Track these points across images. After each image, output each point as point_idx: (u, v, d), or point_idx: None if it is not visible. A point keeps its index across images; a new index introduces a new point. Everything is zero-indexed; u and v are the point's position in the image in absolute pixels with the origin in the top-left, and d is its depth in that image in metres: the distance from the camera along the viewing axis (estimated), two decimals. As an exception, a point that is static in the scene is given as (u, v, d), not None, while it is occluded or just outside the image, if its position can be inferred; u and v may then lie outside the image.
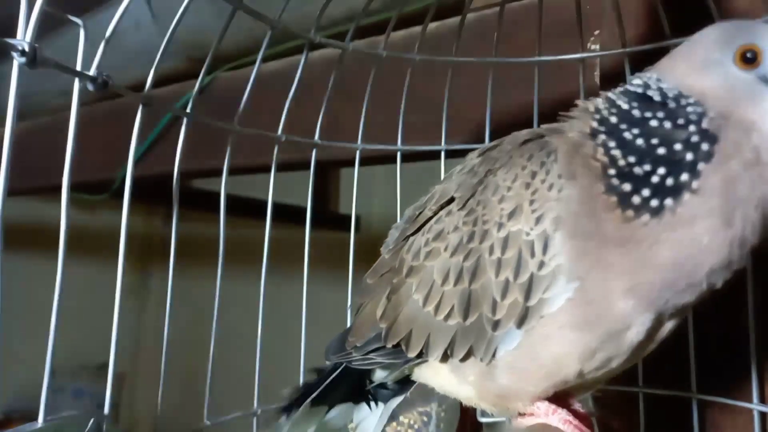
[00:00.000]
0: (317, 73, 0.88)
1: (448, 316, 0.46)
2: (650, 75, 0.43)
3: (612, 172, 0.39)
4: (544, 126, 0.48)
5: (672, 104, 0.40)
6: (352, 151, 0.69)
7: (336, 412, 0.55)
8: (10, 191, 0.35)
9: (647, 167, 0.39)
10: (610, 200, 0.39)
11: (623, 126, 0.41)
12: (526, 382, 0.45)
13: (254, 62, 0.57)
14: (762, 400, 0.58)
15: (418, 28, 0.70)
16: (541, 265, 0.41)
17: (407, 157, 0.72)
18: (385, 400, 0.56)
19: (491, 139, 0.69)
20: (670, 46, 0.58)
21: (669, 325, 0.44)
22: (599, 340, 0.42)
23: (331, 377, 0.54)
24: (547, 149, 0.43)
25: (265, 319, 0.61)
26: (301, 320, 0.63)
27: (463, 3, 0.67)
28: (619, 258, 0.39)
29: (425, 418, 0.63)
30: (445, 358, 0.47)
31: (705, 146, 0.38)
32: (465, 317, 0.45)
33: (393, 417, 0.63)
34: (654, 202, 0.38)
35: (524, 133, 0.47)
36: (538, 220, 0.41)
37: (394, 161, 0.71)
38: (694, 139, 0.38)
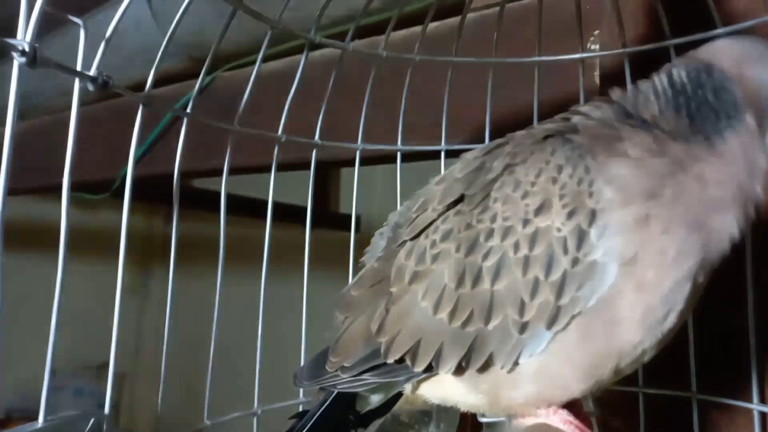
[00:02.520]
0: (317, 73, 0.88)
1: (466, 322, 0.43)
2: (699, 66, 0.45)
3: (669, 115, 0.44)
4: (555, 125, 0.46)
5: (720, 89, 0.44)
6: (352, 151, 0.69)
7: None
8: (11, 191, 0.35)
9: (693, 107, 0.44)
10: (673, 133, 0.43)
11: (671, 96, 0.45)
12: (557, 387, 0.43)
13: (254, 62, 0.57)
14: (762, 400, 0.58)
15: (418, 28, 0.70)
16: (575, 261, 0.40)
17: (407, 157, 0.72)
18: (366, 425, 0.53)
19: (491, 139, 0.69)
20: (669, 46, 0.59)
21: (696, 293, 0.44)
22: (644, 332, 0.41)
23: (315, 418, 0.50)
24: (570, 144, 0.42)
25: (266, 319, 0.61)
26: (302, 320, 0.63)
27: (463, 3, 0.67)
28: (690, 183, 0.41)
29: (425, 418, 0.63)
30: (459, 370, 0.44)
31: (734, 122, 0.43)
32: (487, 321, 0.42)
33: (395, 418, 0.63)
34: (706, 132, 0.43)
35: (542, 129, 0.46)
36: (570, 215, 0.40)
37: (394, 161, 0.71)
38: (728, 114, 0.43)
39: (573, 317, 0.40)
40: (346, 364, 0.48)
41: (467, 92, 0.77)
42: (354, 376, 0.47)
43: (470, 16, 0.70)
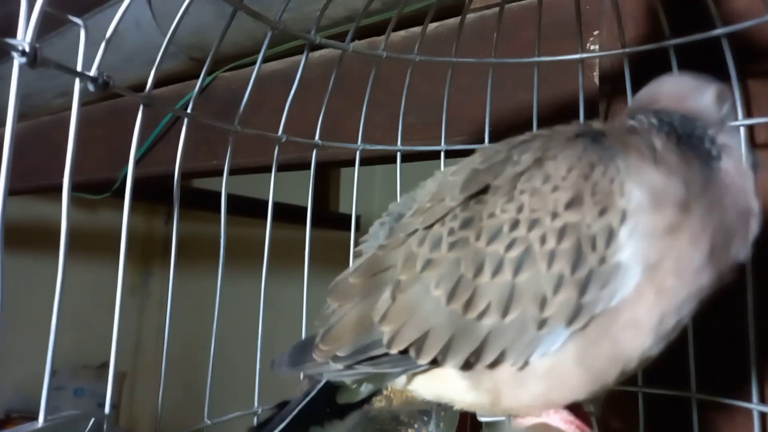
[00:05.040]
0: (317, 73, 0.88)
1: (482, 314, 0.41)
2: (656, 110, 0.46)
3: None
4: (580, 128, 0.46)
5: (695, 127, 0.45)
6: (352, 151, 0.70)
7: None
8: (11, 191, 0.35)
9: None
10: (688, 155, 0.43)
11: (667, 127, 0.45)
12: (564, 389, 0.42)
13: (255, 63, 0.57)
14: (762, 400, 0.58)
15: (418, 29, 0.70)
16: (603, 260, 0.39)
17: (407, 157, 0.72)
18: (343, 416, 0.51)
19: (491, 139, 0.69)
20: (669, 47, 0.59)
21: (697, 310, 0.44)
22: (654, 338, 0.40)
23: (298, 408, 0.49)
24: (602, 144, 0.42)
25: (266, 319, 0.61)
26: (302, 319, 0.63)
27: (463, 3, 0.67)
28: (708, 204, 0.41)
29: (425, 418, 0.63)
30: (467, 365, 0.42)
31: (717, 146, 0.45)
32: (504, 314, 0.41)
33: (395, 417, 0.63)
34: (704, 158, 0.44)
35: (569, 129, 0.45)
36: (602, 212, 0.39)
37: (394, 161, 0.72)
38: (711, 140, 0.45)
39: (593, 317, 0.40)
40: (339, 354, 0.45)
41: (467, 92, 0.77)
42: (348, 365, 0.45)
43: (470, 16, 0.70)
